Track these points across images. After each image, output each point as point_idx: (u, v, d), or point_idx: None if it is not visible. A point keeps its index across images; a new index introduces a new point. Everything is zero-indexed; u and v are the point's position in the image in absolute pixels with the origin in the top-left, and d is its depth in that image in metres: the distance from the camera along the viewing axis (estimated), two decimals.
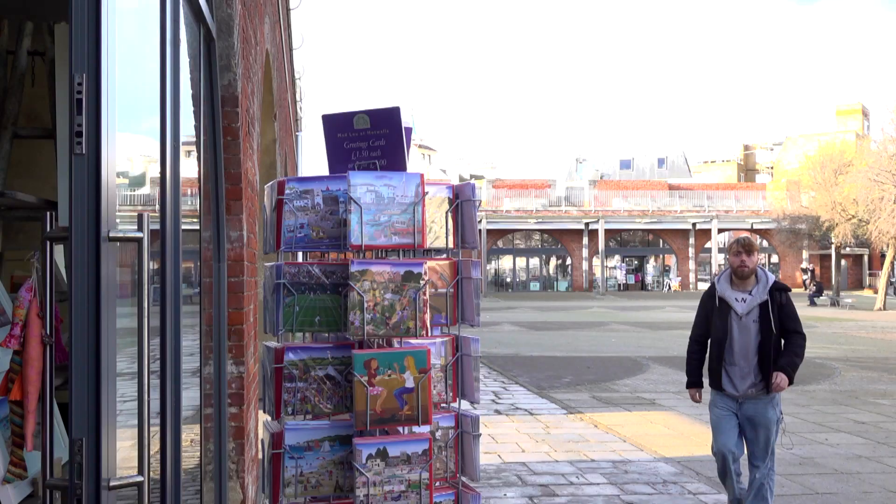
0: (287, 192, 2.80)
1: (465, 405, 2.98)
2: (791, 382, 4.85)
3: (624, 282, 50.35)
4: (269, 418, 2.82)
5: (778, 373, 4.79)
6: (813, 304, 34.92)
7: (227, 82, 3.63)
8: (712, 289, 5.20)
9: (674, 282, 49.98)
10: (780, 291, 4.96)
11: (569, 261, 49.52)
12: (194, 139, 3.13)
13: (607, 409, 9.76)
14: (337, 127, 3.00)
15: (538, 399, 10.43)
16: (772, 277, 5.02)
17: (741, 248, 5.06)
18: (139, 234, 1.56)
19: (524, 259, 51.05)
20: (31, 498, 2.38)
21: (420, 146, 64.50)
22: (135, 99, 1.97)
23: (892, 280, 39.94)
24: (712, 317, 5.09)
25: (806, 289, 47.02)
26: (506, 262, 50.89)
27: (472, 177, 59.28)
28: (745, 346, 4.90)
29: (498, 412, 9.43)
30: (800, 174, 45.66)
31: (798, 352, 4.88)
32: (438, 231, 2.86)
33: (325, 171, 3.04)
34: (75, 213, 1.46)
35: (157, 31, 2.05)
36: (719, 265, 49.22)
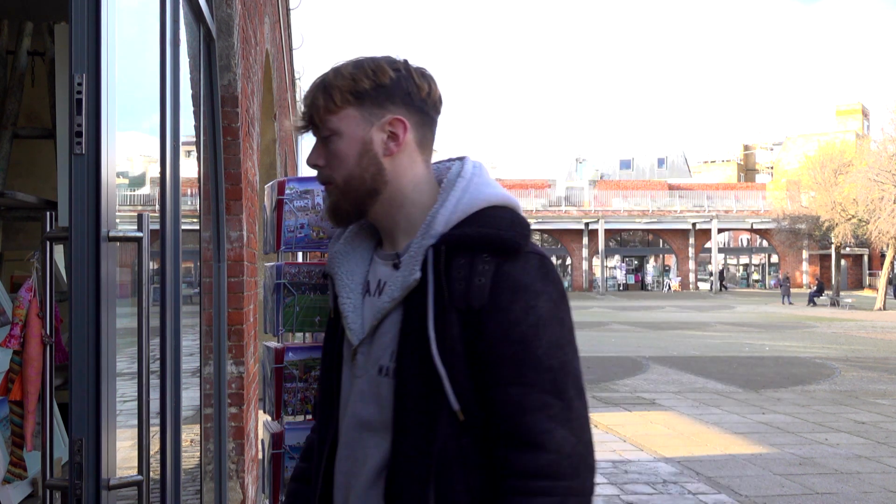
0: (287, 192, 2.79)
1: None
2: None
3: (624, 282, 50.39)
4: (269, 418, 2.82)
5: None
6: (813, 303, 34.95)
7: (227, 82, 3.63)
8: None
9: (674, 282, 50.01)
10: (482, 258, 1.21)
11: (569, 261, 49.51)
12: (194, 139, 3.13)
13: (607, 408, 9.76)
14: None
15: None
16: (462, 202, 1.28)
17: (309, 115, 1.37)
18: (139, 234, 1.56)
19: None
20: (31, 498, 2.38)
21: None
22: (135, 99, 1.97)
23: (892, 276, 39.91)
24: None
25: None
26: None
27: None
28: (358, 455, 1.31)
29: None
30: (800, 174, 45.70)
31: None
32: None
33: None
34: (75, 213, 1.46)
35: (157, 31, 2.05)
36: (720, 267, 49.18)
